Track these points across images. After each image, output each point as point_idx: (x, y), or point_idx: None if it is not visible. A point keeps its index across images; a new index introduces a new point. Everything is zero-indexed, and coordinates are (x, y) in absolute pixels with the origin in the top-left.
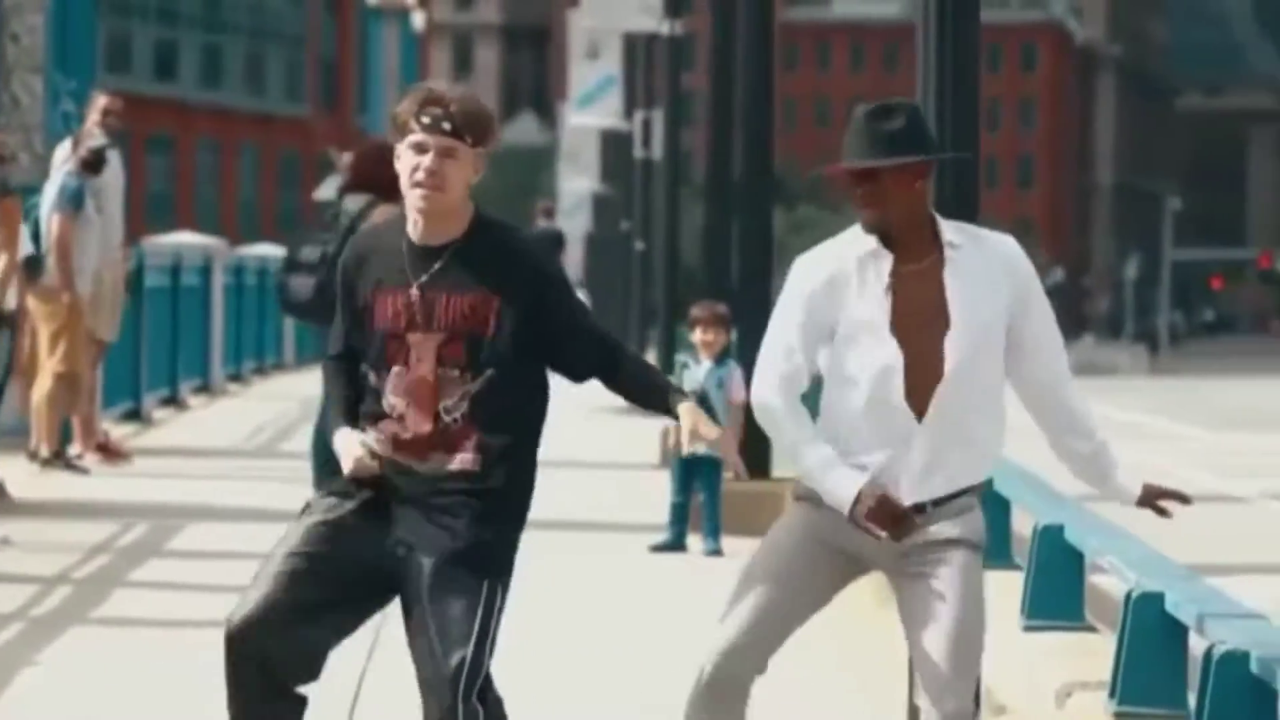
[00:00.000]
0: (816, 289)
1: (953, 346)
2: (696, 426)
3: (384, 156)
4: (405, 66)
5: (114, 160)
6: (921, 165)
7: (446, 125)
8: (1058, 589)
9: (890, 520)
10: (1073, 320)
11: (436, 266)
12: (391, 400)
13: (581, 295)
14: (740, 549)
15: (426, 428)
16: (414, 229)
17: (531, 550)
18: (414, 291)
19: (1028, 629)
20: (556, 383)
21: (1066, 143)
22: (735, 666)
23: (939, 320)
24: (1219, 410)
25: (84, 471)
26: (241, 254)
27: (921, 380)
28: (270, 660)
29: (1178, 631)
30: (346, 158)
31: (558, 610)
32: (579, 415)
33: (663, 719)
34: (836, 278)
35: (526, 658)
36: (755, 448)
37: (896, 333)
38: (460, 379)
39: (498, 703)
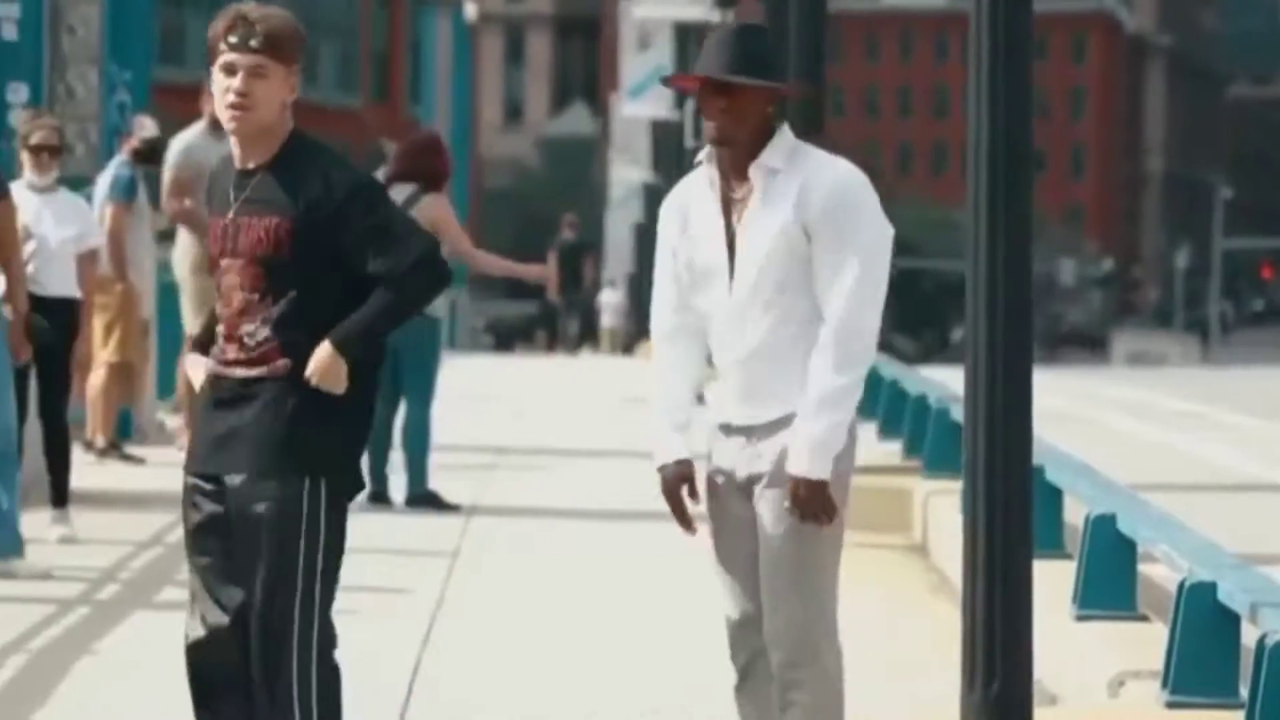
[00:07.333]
0: (667, 217)
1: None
2: (314, 370)
3: (429, 148)
4: (457, 57)
5: None
6: (776, 91)
7: (254, 43)
8: (1110, 579)
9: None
10: (1122, 309)
11: (246, 192)
12: (219, 326)
13: (618, 292)
14: None
15: (231, 353)
16: (236, 153)
17: (565, 538)
18: (229, 217)
19: (1080, 619)
20: (587, 373)
21: (1116, 132)
22: (744, 645)
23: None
24: (1269, 399)
25: (139, 462)
26: None
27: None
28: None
29: (1230, 621)
30: (393, 148)
31: (588, 598)
32: (612, 405)
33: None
34: (684, 206)
35: (558, 646)
36: None
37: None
38: (261, 304)
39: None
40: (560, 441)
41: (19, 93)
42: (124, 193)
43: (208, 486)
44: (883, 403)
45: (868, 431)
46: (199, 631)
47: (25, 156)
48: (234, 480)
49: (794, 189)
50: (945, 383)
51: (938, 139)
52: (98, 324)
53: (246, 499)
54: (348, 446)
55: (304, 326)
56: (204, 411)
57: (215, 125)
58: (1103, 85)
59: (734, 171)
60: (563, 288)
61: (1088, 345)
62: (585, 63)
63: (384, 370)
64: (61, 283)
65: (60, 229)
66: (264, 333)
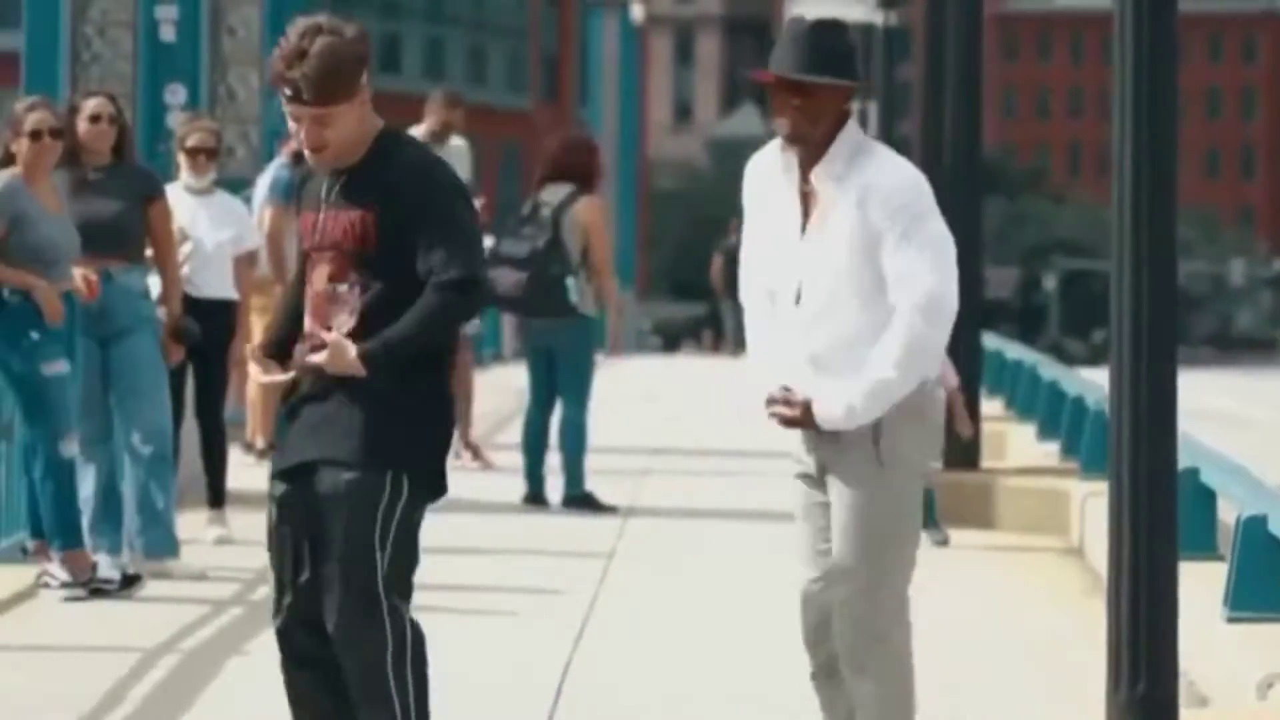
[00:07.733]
0: (750, 186)
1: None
2: (328, 360)
3: (581, 147)
4: (625, 59)
5: None
6: (853, 89)
7: (306, 98)
8: (1261, 580)
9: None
10: None
11: (336, 188)
12: (306, 316)
13: None
14: (955, 540)
15: (319, 341)
16: None
17: (720, 540)
18: (320, 211)
19: (1231, 620)
20: (748, 374)
21: None
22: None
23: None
24: None
25: None
26: None
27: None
28: None
29: None
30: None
31: (742, 600)
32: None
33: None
34: (764, 179)
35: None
36: (961, 441)
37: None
38: (349, 294)
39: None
40: (718, 443)
41: (177, 94)
42: (283, 194)
43: (290, 477)
44: (1041, 404)
45: (1027, 433)
46: (282, 619)
47: (182, 158)
48: (318, 471)
49: (855, 193)
50: (1105, 384)
51: (1107, 140)
52: (257, 325)
53: (326, 486)
54: (431, 446)
55: (390, 318)
56: (288, 410)
57: (436, 135)
58: (1273, 85)
59: (808, 168)
60: (726, 291)
61: (1248, 347)
62: (755, 63)
63: (539, 372)
64: (218, 285)
65: (216, 231)
66: (351, 324)
